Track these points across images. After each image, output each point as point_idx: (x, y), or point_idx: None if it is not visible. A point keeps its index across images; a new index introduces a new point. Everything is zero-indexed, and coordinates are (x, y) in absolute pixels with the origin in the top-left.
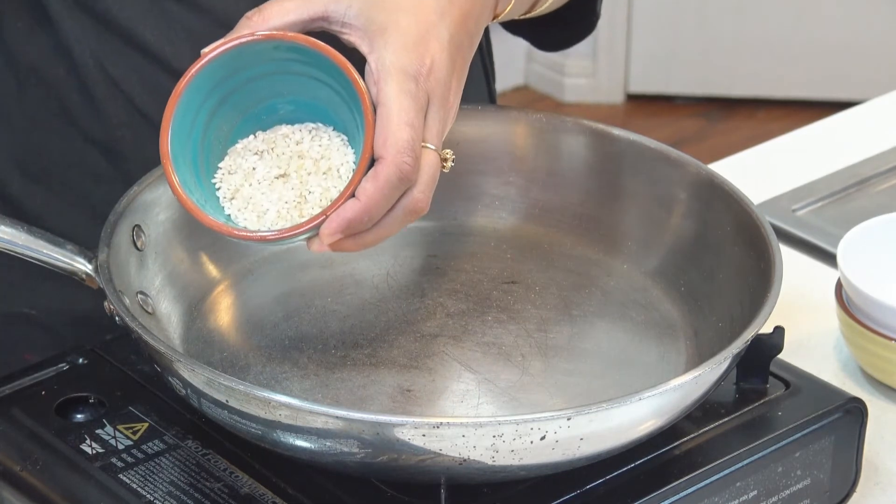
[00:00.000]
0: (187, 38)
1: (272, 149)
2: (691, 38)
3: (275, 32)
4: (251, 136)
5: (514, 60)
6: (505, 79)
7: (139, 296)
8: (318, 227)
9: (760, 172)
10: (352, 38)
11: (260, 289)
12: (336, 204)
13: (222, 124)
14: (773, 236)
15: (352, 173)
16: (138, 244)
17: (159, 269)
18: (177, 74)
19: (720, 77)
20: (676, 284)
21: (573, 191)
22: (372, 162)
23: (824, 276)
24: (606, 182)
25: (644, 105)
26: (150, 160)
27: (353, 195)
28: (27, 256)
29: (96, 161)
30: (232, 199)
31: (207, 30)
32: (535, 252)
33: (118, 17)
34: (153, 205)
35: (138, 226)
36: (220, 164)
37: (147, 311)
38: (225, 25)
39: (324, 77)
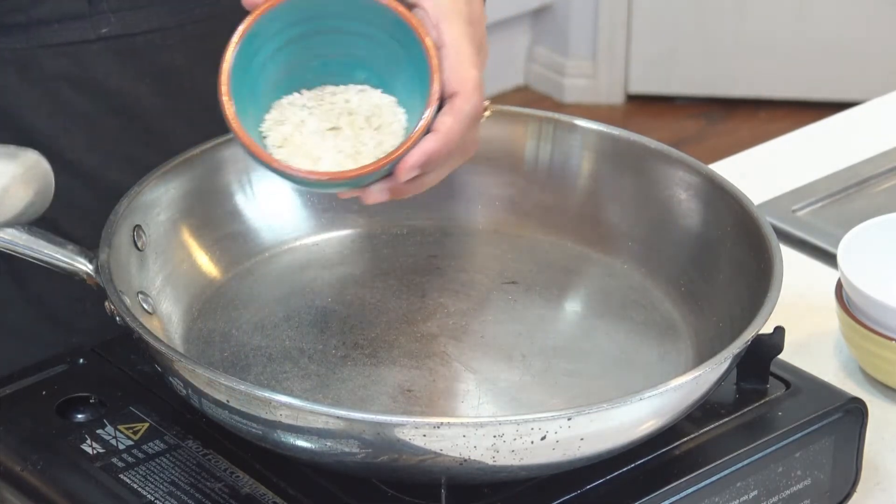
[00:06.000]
0: None
1: (320, 105)
2: (691, 38)
3: None
4: (295, 94)
5: (514, 61)
6: (505, 79)
7: (140, 296)
8: (389, 166)
9: (760, 172)
10: None
11: (260, 289)
12: (412, 139)
13: (270, 77)
14: (773, 236)
15: (404, 130)
16: (139, 244)
17: (160, 269)
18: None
19: (720, 77)
20: (676, 284)
21: (573, 191)
22: (440, 104)
23: (824, 276)
24: (606, 182)
25: (644, 105)
26: None
27: (427, 132)
28: (28, 256)
29: None
30: (280, 147)
31: None
32: (535, 252)
33: None
34: (154, 205)
35: (139, 226)
36: (265, 116)
37: (147, 311)
38: None
39: (375, 33)
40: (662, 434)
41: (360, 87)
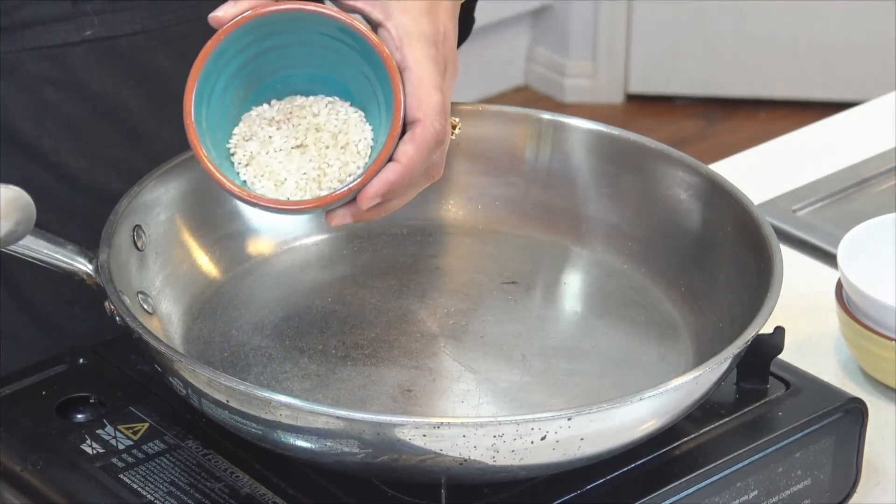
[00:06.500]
0: None
1: (288, 119)
2: (691, 38)
3: (297, 4)
4: (265, 105)
5: (514, 61)
6: (505, 79)
7: (139, 296)
8: (351, 195)
9: (760, 172)
10: (359, 4)
11: (260, 289)
12: (373, 168)
13: (238, 90)
14: (773, 236)
15: (370, 150)
16: (139, 244)
17: (160, 269)
18: None
19: (720, 77)
20: (676, 284)
21: (573, 191)
22: (403, 128)
23: (824, 276)
24: (606, 182)
25: (644, 105)
26: None
27: (389, 159)
28: (27, 256)
29: None
30: (247, 165)
31: None
32: (535, 252)
33: None
34: (154, 205)
35: (139, 226)
36: (234, 130)
37: (147, 311)
38: None
39: (343, 49)
40: (662, 434)
41: (328, 98)
